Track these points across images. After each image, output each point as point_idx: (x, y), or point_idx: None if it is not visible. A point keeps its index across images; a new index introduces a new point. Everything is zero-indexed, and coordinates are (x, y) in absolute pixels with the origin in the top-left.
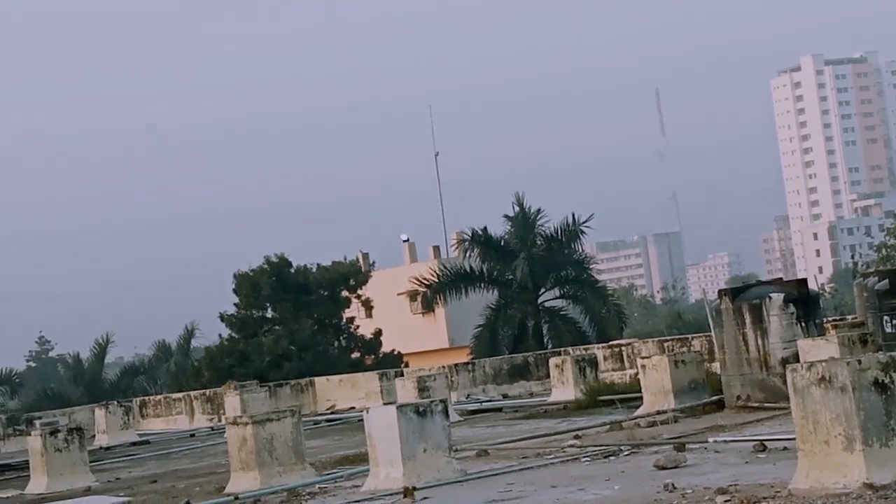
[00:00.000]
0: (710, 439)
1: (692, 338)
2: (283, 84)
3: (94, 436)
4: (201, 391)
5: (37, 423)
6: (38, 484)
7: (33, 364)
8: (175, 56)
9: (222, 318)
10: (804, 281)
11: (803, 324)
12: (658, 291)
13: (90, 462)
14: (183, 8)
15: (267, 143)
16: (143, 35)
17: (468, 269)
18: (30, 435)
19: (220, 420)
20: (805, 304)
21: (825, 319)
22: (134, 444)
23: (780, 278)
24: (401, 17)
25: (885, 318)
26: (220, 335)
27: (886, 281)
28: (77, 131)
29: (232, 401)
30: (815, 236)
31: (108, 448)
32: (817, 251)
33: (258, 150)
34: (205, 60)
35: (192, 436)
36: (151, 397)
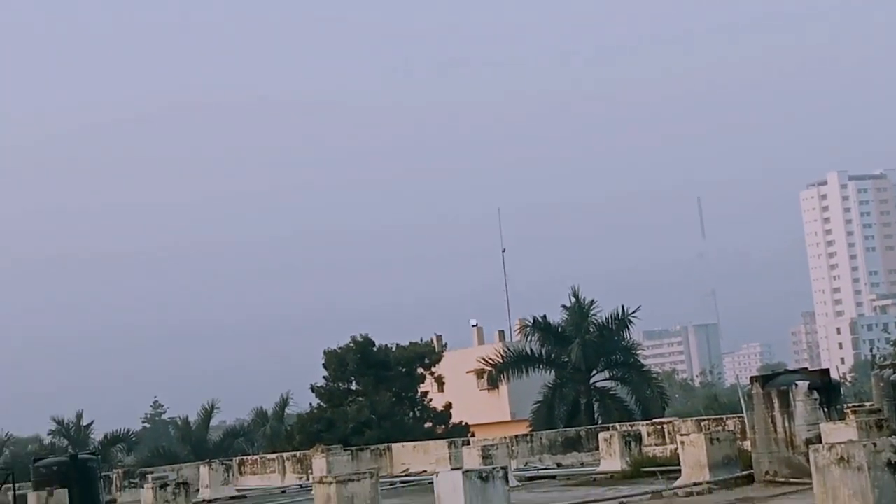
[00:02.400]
0: None
1: (727, 418)
2: (369, 205)
3: (198, 490)
4: (292, 453)
5: (149, 477)
6: None
7: (148, 425)
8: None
9: (313, 389)
10: (827, 371)
11: (825, 409)
12: (697, 376)
13: None
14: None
15: (364, 254)
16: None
17: (529, 351)
18: (143, 487)
19: (307, 479)
20: (827, 392)
21: (845, 405)
22: (232, 498)
23: (806, 368)
24: (472, 143)
25: None
26: (310, 404)
27: None
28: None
29: (319, 462)
30: (838, 331)
31: (210, 501)
32: (840, 344)
33: (356, 259)
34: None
35: (283, 492)
36: (249, 457)
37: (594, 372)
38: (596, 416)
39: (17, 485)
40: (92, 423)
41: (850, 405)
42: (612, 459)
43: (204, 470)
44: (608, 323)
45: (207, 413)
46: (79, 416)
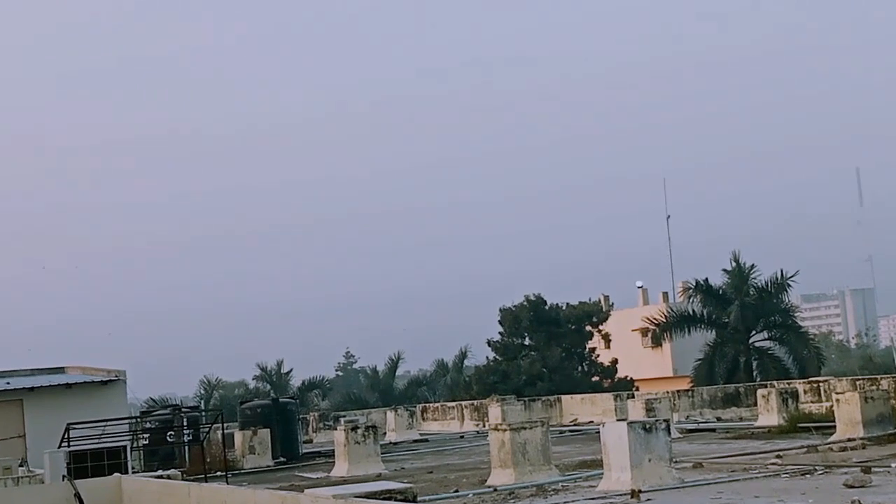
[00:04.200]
0: (894, 465)
1: (881, 378)
2: (541, 170)
3: (385, 433)
4: (470, 401)
5: (342, 420)
6: (340, 469)
7: (340, 373)
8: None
9: (489, 343)
10: None
11: None
12: (853, 338)
13: (381, 454)
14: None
15: (536, 217)
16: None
17: (691, 312)
18: (336, 429)
19: (483, 425)
20: None
21: None
22: (416, 441)
23: None
24: (639, 110)
25: None
26: (486, 357)
27: None
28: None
29: (494, 410)
30: None
31: (395, 443)
32: None
33: (529, 222)
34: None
35: (462, 437)
36: (431, 404)
37: (753, 332)
38: (754, 374)
39: (225, 424)
40: (291, 370)
41: None
42: (769, 415)
43: (390, 415)
44: (767, 286)
45: (394, 363)
46: (279, 364)
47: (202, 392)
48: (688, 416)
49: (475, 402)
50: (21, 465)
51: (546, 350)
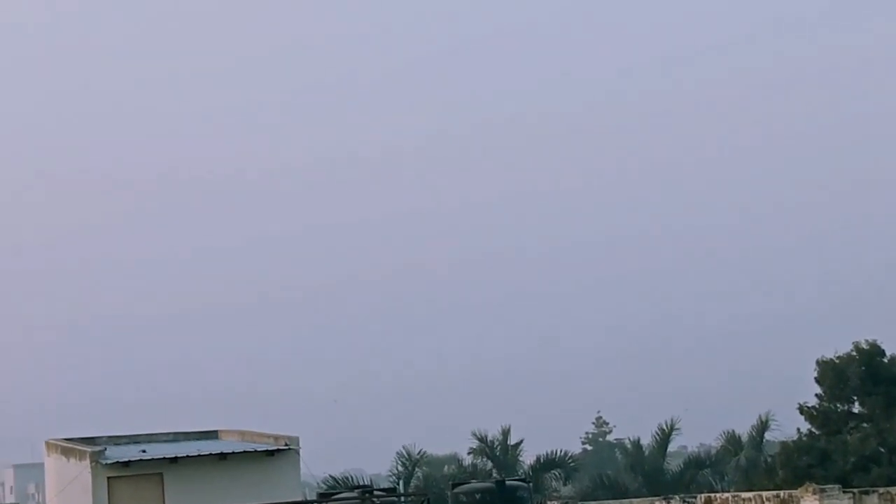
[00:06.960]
0: None
1: None
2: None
3: None
4: (775, 492)
5: None
6: None
7: (589, 447)
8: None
9: (801, 410)
10: None
11: None
12: None
13: None
14: None
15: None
16: None
17: None
18: None
19: None
20: None
21: None
22: None
23: None
24: None
25: None
26: (797, 429)
27: None
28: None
29: None
30: None
31: None
32: None
33: (864, 241)
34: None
35: None
36: (718, 494)
37: None
38: None
39: None
40: (521, 442)
41: None
42: None
43: None
44: None
45: (664, 436)
46: (505, 433)
47: (399, 469)
48: None
49: (781, 492)
50: None
51: (884, 421)
